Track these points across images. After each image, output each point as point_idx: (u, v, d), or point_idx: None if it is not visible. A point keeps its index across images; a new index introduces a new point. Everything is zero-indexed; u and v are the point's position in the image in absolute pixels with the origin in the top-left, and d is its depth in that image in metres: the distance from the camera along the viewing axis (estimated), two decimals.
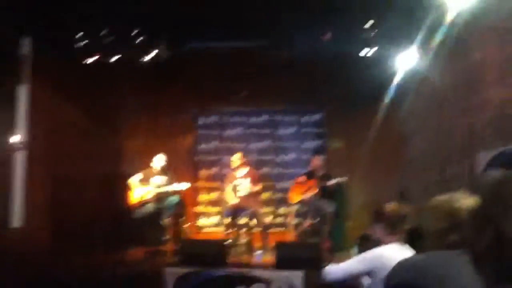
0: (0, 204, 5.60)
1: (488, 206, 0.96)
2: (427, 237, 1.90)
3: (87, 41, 5.52)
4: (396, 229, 2.68)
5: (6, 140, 5.68)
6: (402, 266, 1.83)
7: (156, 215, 6.20)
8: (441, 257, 1.71)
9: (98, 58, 5.70)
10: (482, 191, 1.00)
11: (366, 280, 2.82)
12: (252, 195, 6.37)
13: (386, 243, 2.70)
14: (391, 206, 2.72)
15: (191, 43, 6.03)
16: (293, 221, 7.06)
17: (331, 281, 2.94)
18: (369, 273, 2.70)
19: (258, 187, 6.43)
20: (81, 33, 5.47)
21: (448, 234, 1.73)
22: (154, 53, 5.71)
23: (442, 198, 1.82)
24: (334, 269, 2.91)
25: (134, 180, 6.29)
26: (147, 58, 5.71)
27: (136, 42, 5.59)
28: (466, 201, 1.70)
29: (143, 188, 6.25)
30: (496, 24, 3.69)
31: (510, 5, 3.40)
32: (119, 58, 5.74)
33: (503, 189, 0.94)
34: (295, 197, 6.58)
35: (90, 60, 5.68)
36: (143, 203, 6.21)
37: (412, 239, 2.72)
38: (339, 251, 6.16)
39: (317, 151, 7.55)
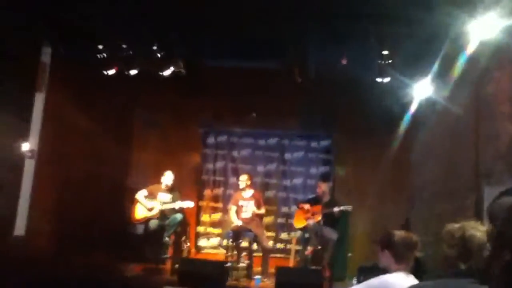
0: (7, 210, 5.61)
1: (504, 230, 0.95)
2: (436, 263, 1.88)
3: (106, 52, 5.60)
4: (403, 257, 2.63)
5: (17, 147, 5.74)
6: None
7: (159, 232, 6.14)
8: (449, 284, 1.69)
9: (115, 70, 5.76)
10: (497, 216, 1.00)
11: None
12: (255, 218, 6.32)
13: (392, 271, 2.65)
14: (400, 234, 2.69)
15: (207, 61, 6.09)
16: (295, 247, 6.99)
17: None
18: None
19: (262, 210, 6.40)
20: (101, 45, 5.55)
21: (458, 262, 1.71)
22: (170, 69, 5.76)
23: (455, 226, 1.82)
24: None
25: (140, 195, 6.29)
26: (163, 73, 5.75)
27: (154, 57, 5.66)
28: (478, 230, 1.70)
29: (149, 203, 6.23)
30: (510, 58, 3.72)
31: None
32: (135, 71, 5.79)
33: None
34: (299, 222, 6.52)
35: (107, 72, 5.73)
36: (147, 219, 6.17)
37: (415, 269, 2.69)
38: (339, 281, 6.06)
39: (323, 177, 7.53)
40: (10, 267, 5.10)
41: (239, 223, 6.31)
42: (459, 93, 4.74)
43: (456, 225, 1.80)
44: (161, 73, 5.82)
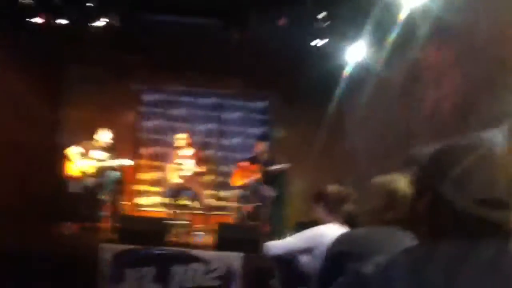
0: None
1: (426, 174, 1.06)
2: (365, 214, 2.05)
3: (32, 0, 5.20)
4: (336, 209, 2.81)
5: None
6: (342, 237, 1.99)
7: (95, 190, 6.02)
8: (375, 231, 1.87)
9: (44, 19, 5.36)
10: (420, 162, 1.10)
11: (303, 258, 2.94)
12: (195, 177, 6.37)
13: (325, 223, 2.83)
14: (332, 188, 2.86)
15: (144, 15, 5.86)
16: (234, 204, 7.16)
17: (271, 256, 3.06)
18: (307, 250, 2.83)
19: (202, 169, 6.44)
20: None
21: (384, 212, 1.88)
22: (104, 21, 5.47)
23: (381, 179, 1.97)
24: (275, 245, 3.02)
25: (73, 152, 6.05)
26: (96, 25, 5.45)
27: (87, 6, 5.33)
28: (403, 182, 1.85)
29: (83, 161, 6.04)
30: (441, 26, 3.93)
31: (456, 9, 3.63)
32: (66, 22, 5.43)
33: (439, 156, 1.05)
34: (238, 181, 6.65)
35: (34, 21, 5.33)
36: (82, 176, 6.00)
37: (348, 223, 2.88)
38: (277, 236, 6.32)
39: (261, 137, 7.68)
40: None
41: (178, 181, 6.32)
42: (392, 57, 4.96)
43: (383, 178, 1.96)
44: (92, 25, 5.50)
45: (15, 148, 6.34)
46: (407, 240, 1.47)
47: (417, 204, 1.07)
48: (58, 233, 5.53)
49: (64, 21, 5.47)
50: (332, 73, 6.38)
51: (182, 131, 6.93)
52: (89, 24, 5.54)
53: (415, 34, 4.30)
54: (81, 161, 6.05)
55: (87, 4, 5.38)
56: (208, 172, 7.67)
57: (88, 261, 4.87)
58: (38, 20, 5.41)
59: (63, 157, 6.20)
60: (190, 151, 6.45)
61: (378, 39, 5.10)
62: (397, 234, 1.68)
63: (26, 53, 6.37)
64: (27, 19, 5.35)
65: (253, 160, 6.66)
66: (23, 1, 5.19)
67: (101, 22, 5.52)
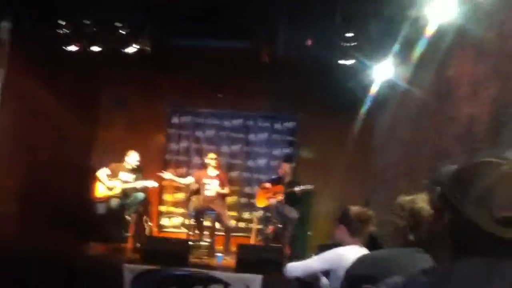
0: None
1: (447, 191, 1.01)
2: (389, 235, 1.96)
3: (69, 29, 5.40)
4: (358, 231, 2.72)
5: None
6: (361, 259, 1.89)
7: (120, 210, 6.08)
8: (396, 252, 1.78)
9: (79, 47, 5.57)
10: (442, 179, 1.06)
11: (325, 280, 2.86)
12: (219, 197, 6.35)
13: (347, 244, 2.74)
14: (355, 209, 2.77)
15: (175, 40, 6.00)
16: (256, 226, 7.09)
17: (291, 277, 2.98)
18: (327, 271, 2.74)
19: (226, 190, 6.42)
20: (64, 21, 5.35)
21: (407, 233, 1.79)
22: (136, 46, 5.63)
23: (405, 198, 1.89)
24: (295, 266, 2.95)
25: (102, 173, 6.18)
26: (128, 51, 5.62)
27: (119, 33, 5.50)
28: (426, 202, 1.76)
29: (110, 182, 6.14)
30: (472, 42, 3.82)
31: (487, 24, 3.53)
32: (100, 48, 5.63)
33: (461, 174, 1.00)
34: (261, 202, 6.60)
35: (70, 48, 5.54)
36: (108, 198, 6.09)
37: (370, 244, 2.79)
38: (299, 259, 6.19)
39: (286, 158, 7.63)
40: None
41: (202, 202, 6.30)
42: (420, 76, 4.84)
43: (407, 198, 1.87)
44: (125, 51, 5.67)
45: (50, 167, 6.53)
46: (426, 262, 1.39)
47: (437, 223, 1.02)
48: (85, 252, 5.58)
49: (98, 48, 5.64)
50: (359, 92, 6.30)
51: (212, 152, 6.97)
52: (121, 50, 5.69)
53: (444, 50, 4.21)
54: (108, 183, 6.14)
55: (120, 31, 5.54)
56: (233, 193, 7.67)
57: (113, 281, 4.88)
58: (74, 48, 5.59)
59: (93, 178, 6.31)
60: (216, 172, 6.45)
61: (406, 57, 5.01)
62: (419, 256, 1.58)
63: (63, 78, 6.63)
64: (64, 47, 5.53)
65: (277, 181, 6.60)
66: (60, 31, 5.40)
67: (133, 48, 5.67)
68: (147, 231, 6.92)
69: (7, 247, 5.08)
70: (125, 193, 6.15)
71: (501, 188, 0.92)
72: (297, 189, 6.15)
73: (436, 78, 4.51)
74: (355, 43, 5.22)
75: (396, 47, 4.91)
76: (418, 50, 4.69)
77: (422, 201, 1.79)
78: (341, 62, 5.44)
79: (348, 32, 5.17)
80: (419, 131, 4.86)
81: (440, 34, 4.28)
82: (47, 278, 4.86)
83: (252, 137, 8.07)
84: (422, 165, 4.64)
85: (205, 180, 6.37)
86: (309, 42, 5.54)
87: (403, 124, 5.51)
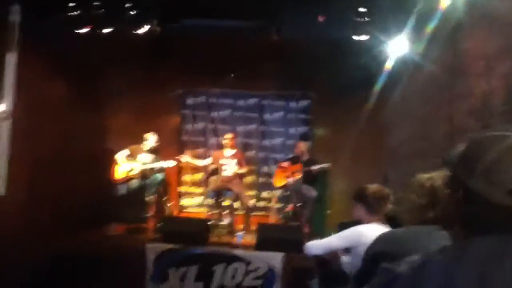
0: None
1: (457, 170, 1.03)
2: (406, 213, 1.98)
3: (77, 11, 5.41)
4: (376, 209, 2.75)
5: None
6: (380, 237, 1.93)
7: (140, 191, 6.19)
8: (416, 230, 1.80)
9: (88, 30, 5.59)
10: (452, 159, 1.08)
11: (346, 258, 2.91)
12: (237, 177, 6.41)
13: (365, 222, 2.77)
14: (372, 187, 2.79)
15: (183, 21, 5.95)
16: (275, 205, 7.16)
17: (312, 255, 3.03)
18: (348, 249, 2.79)
19: (243, 169, 6.47)
20: (74, 2, 5.35)
21: (425, 211, 1.81)
22: (144, 28, 5.62)
23: (422, 176, 1.90)
24: (315, 244, 2.99)
25: (120, 156, 6.27)
26: (138, 32, 5.61)
27: (127, 16, 5.49)
28: (443, 179, 1.77)
29: (129, 164, 6.24)
30: (486, 15, 3.74)
31: None
32: (109, 32, 5.63)
33: (468, 151, 1.02)
34: (279, 181, 6.64)
35: (79, 32, 5.56)
36: (127, 179, 6.19)
37: (389, 222, 2.81)
38: (318, 237, 6.25)
39: (302, 137, 7.65)
40: None
41: (220, 182, 6.36)
42: (434, 50, 4.77)
43: (426, 176, 1.88)
44: (135, 32, 5.66)
45: (66, 153, 6.64)
46: (447, 239, 1.41)
47: (451, 202, 1.04)
48: (105, 234, 5.71)
49: (107, 30, 5.64)
50: (373, 69, 6.23)
51: (224, 133, 7.00)
52: (131, 32, 5.69)
53: (457, 24, 4.13)
54: (127, 164, 6.23)
55: (129, 12, 5.53)
56: (250, 172, 7.74)
57: (135, 261, 5.00)
58: (84, 30, 5.60)
59: (111, 161, 6.41)
60: (232, 152, 6.49)
61: (420, 32, 4.92)
62: (437, 234, 1.61)
63: (74, 62, 6.67)
64: (74, 30, 5.55)
65: (294, 160, 6.62)
66: (70, 13, 5.41)
67: (143, 29, 5.65)
68: (167, 212, 7.05)
69: (23, 234, 5.23)
70: (144, 174, 6.24)
71: (507, 160, 0.93)
72: (314, 167, 6.16)
73: (450, 53, 4.44)
74: (369, 18, 5.13)
75: (409, 21, 4.82)
76: (432, 24, 4.60)
77: (440, 179, 1.80)
78: (355, 38, 5.35)
79: (362, 7, 5.08)
80: (433, 107, 4.81)
81: (453, 7, 4.19)
82: (70, 260, 5.02)
83: (267, 116, 8.08)
84: (437, 142, 4.61)
85: (222, 161, 6.42)
86: (321, 19, 5.45)
87: (417, 100, 5.45)
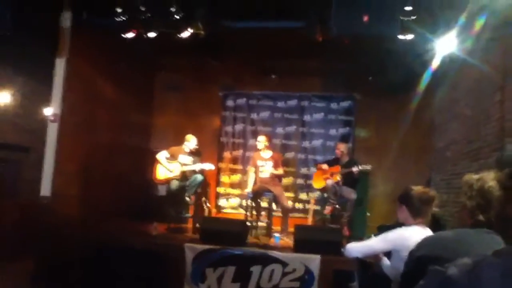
0: (33, 173, 5.79)
1: None
2: (454, 216, 1.89)
3: (124, 15, 5.56)
4: (421, 212, 2.64)
5: (41, 111, 5.84)
6: (426, 240, 1.84)
7: (180, 192, 6.26)
8: (463, 233, 1.70)
9: (135, 33, 5.73)
10: (508, 162, 1.02)
11: (386, 261, 2.82)
12: (275, 178, 6.37)
13: (409, 225, 2.67)
14: (417, 189, 2.69)
15: (227, 22, 6.00)
16: (313, 207, 7.08)
17: (351, 258, 2.95)
18: (389, 252, 2.70)
19: (279, 171, 6.41)
20: (120, 8, 5.50)
21: (476, 213, 1.71)
22: (188, 32, 5.70)
23: (473, 177, 1.79)
24: (356, 247, 2.91)
25: (161, 156, 6.38)
26: (183, 35, 5.70)
27: (173, 18, 5.59)
28: (495, 181, 1.67)
29: (170, 165, 6.33)
30: None
31: None
32: (154, 34, 5.75)
33: None
34: (318, 183, 6.55)
35: (126, 35, 5.71)
36: (168, 180, 6.29)
37: (433, 225, 2.70)
38: (358, 240, 6.12)
39: (342, 138, 7.53)
40: (37, 226, 5.33)
41: (258, 183, 6.35)
42: (484, 49, 4.57)
43: (475, 176, 1.78)
44: (179, 35, 5.76)
45: (111, 152, 6.85)
46: (496, 243, 1.32)
47: (507, 204, 0.97)
48: (146, 232, 5.81)
49: (153, 34, 5.77)
50: (418, 69, 6.03)
51: (263, 134, 6.98)
52: (176, 35, 5.78)
53: (510, 21, 3.91)
54: (168, 165, 6.33)
55: (174, 16, 5.62)
56: (288, 174, 7.69)
57: (174, 260, 5.06)
58: (131, 34, 5.75)
59: (153, 161, 6.53)
60: (269, 154, 6.46)
61: (467, 29, 4.72)
62: (488, 237, 1.51)
63: (120, 65, 6.88)
64: (121, 34, 5.71)
65: (334, 161, 6.52)
66: (117, 19, 5.56)
67: (187, 32, 5.73)
68: (206, 212, 7.11)
69: (68, 226, 5.41)
70: (184, 175, 6.31)
71: None
72: (355, 169, 6.03)
73: (501, 51, 4.21)
74: (415, 17, 4.97)
75: (457, 19, 4.63)
76: (481, 21, 4.39)
77: (491, 180, 1.70)
78: (400, 37, 5.20)
79: (407, 5, 4.93)
80: (483, 108, 4.59)
81: (505, 2, 3.98)
82: (111, 257, 5.14)
83: (307, 117, 8.03)
84: (486, 143, 4.40)
85: (259, 162, 6.40)
86: (366, 18, 5.33)
87: (466, 100, 5.23)
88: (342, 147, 6.48)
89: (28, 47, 5.27)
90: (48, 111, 5.84)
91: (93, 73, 6.39)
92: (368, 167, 6.02)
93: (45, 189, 5.67)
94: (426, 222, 2.65)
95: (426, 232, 2.55)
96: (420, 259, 1.69)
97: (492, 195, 1.64)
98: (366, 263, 3.09)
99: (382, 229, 4.18)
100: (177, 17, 5.61)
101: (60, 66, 5.84)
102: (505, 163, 1.10)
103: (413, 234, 2.46)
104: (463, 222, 1.75)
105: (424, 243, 1.78)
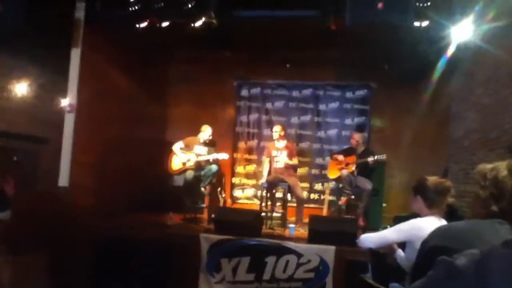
0: (51, 164, 5.88)
1: None
2: (468, 206, 1.85)
3: (137, 5, 5.57)
4: (436, 202, 2.61)
5: (57, 102, 5.91)
6: (438, 231, 1.81)
7: (195, 182, 6.30)
8: (475, 224, 1.67)
9: (147, 24, 5.73)
10: None
11: (400, 252, 2.79)
12: (289, 169, 6.34)
13: (424, 216, 2.64)
14: (433, 179, 2.65)
15: (239, 12, 5.96)
16: (328, 197, 7.05)
17: (365, 248, 2.93)
18: (403, 243, 2.67)
19: (294, 161, 6.38)
20: None
21: (490, 204, 1.67)
22: (201, 21, 5.69)
23: (487, 166, 1.75)
24: (370, 237, 2.89)
25: (176, 147, 6.42)
26: (194, 24, 5.68)
27: (185, 8, 5.58)
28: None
29: (185, 155, 6.37)
30: None
31: None
32: (167, 25, 5.74)
33: None
34: (332, 173, 6.50)
35: (139, 25, 5.72)
36: (183, 170, 6.33)
37: (448, 216, 2.66)
38: (374, 231, 6.08)
39: (358, 128, 7.46)
40: (55, 216, 5.43)
41: (272, 173, 6.34)
42: (501, 36, 4.45)
43: (489, 166, 1.74)
44: (192, 25, 5.74)
45: (126, 142, 6.91)
46: (509, 234, 1.29)
47: None
48: (162, 222, 5.87)
49: (166, 24, 5.76)
50: (433, 57, 5.91)
51: (277, 123, 6.95)
52: (189, 24, 5.77)
53: None
54: (183, 156, 6.37)
55: (186, 5, 5.60)
56: (303, 164, 7.67)
57: (190, 250, 5.10)
58: (143, 24, 5.75)
59: (168, 152, 6.58)
60: (283, 143, 6.44)
61: (484, 15, 4.59)
62: (501, 227, 1.48)
63: (135, 54, 6.91)
64: (134, 24, 5.72)
65: (349, 151, 6.45)
66: (130, 8, 5.57)
67: (200, 22, 5.71)
68: (221, 202, 7.15)
69: (85, 216, 5.50)
70: (200, 166, 6.35)
71: None
72: (370, 159, 5.97)
73: None
74: (430, 3, 4.86)
75: (473, 5, 4.51)
76: (497, 7, 4.26)
77: (505, 170, 1.65)
78: (415, 23, 5.09)
79: None
80: (501, 96, 4.49)
81: None
82: (127, 247, 5.22)
83: (322, 107, 7.97)
84: (504, 132, 4.30)
85: (274, 152, 6.39)
86: (380, 5, 5.23)
87: (483, 89, 5.11)
88: (357, 137, 6.41)
89: (42, 39, 5.32)
90: (65, 102, 5.91)
91: (107, 65, 6.43)
92: (383, 156, 5.94)
93: (63, 179, 5.75)
94: (441, 213, 2.62)
95: (441, 223, 2.52)
96: (432, 250, 1.66)
97: (506, 185, 1.60)
98: (379, 254, 3.07)
99: (398, 220, 4.14)
100: (190, 6, 5.59)
101: (75, 57, 5.87)
102: None
103: (428, 225, 2.43)
104: (475, 212, 1.72)
105: (436, 234, 1.75)
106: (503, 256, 0.88)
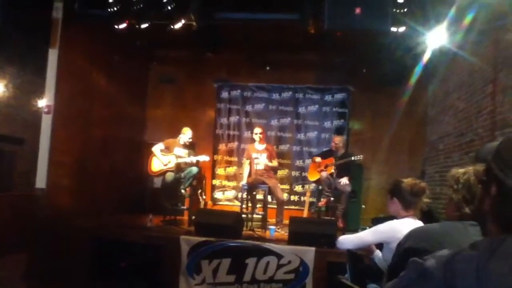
0: (28, 165, 5.78)
1: (492, 166, 1.00)
2: (443, 208, 1.92)
3: (117, 6, 5.52)
4: (411, 204, 2.67)
5: (34, 102, 5.81)
6: (412, 233, 1.88)
7: (175, 184, 6.28)
8: (448, 226, 1.74)
9: (127, 25, 5.69)
10: (486, 154, 1.05)
11: (378, 253, 2.85)
12: (269, 171, 6.38)
13: (400, 217, 2.70)
14: (408, 181, 2.71)
15: (220, 14, 5.98)
16: (308, 199, 7.11)
17: (343, 250, 2.98)
18: (380, 244, 2.73)
19: (274, 163, 6.42)
20: None
21: (462, 206, 1.74)
22: (181, 23, 5.68)
23: (459, 170, 1.83)
24: (348, 239, 2.93)
25: (156, 149, 6.39)
26: (175, 26, 5.67)
27: (164, 10, 5.56)
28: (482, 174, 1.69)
29: (165, 157, 6.34)
30: None
31: None
32: (147, 26, 5.72)
33: (503, 148, 0.99)
34: (312, 175, 6.57)
35: (119, 27, 5.68)
36: (163, 172, 6.30)
37: (424, 217, 2.73)
38: (352, 232, 6.16)
39: (337, 131, 7.56)
40: (32, 218, 5.35)
41: (252, 175, 6.37)
42: (475, 42, 4.59)
43: (461, 170, 1.81)
44: (172, 27, 5.73)
45: (105, 144, 6.84)
46: (481, 236, 1.35)
47: (484, 198, 1.01)
48: (141, 225, 5.83)
49: (145, 25, 5.73)
50: (410, 62, 6.05)
51: (258, 126, 6.99)
52: (168, 27, 5.75)
53: (501, 15, 3.93)
54: (163, 157, 6.34)
55: (167, 7, 5.58)
56: (283, 166, 7.73)
57: (169, 252, 5.08)
58: (123, 25, 5.71)
59: (148, 153, 6.54)
60: (263, 146, 6.47)
61: (459, 22, 4.73)
62: (473, 229, 1.55)
63: (113, 57, 6.85)
64: (113, 25, 5.67)
65: (328, 153, 6.53)
66: (109, 9, 5.52)
67: (180, 23, 5.70)
68: (201, 204, 7.13)
69: (64, 221, 5.43)
70: (180, 168, 6.32)
71: None
72: (346, 160, 6.06)
73: (493, 45, 4.24)
74: (406, 9, 4.98)
75: (447, 12, 4.64)
76: (472, 15, 4.40)
77: (476, 174, 1.73)
78: (392, 29, 5.21)
79: None
80: (474, 100, 4.63)
81: None
82: (107, 249, 5.18)
83: (302, 109, 8.03)
84: (478, 135, 4.44)
85: (254, 154, 6.41)
86: (358, 11, 5.33)
87: (457, 93, 5.26)
88: (337, 140, 6.49)
89: (20, 39, 5.23)
90: (42, 103, 5.81)
91: (86, 65, 6.36)
92: (359, 157, 6.01)
93: (41, 181, 5.67)
94: (417, 214, 2.68)
95: (417, 224, 2.58)
96: (406, 251, 1.73)
97: (478, 189, 1.67)
98: (357, 256, 3.12)
99: (376, 221, 4.22)
100: (169, 8, 5.58)
101: (53, 57, 5.79)
102: (480, 159, 1.15)
103: (404, 227, 2.48)
104: (449, 214, 1.79)
105: (411, 235, 1.82)
106: (469, 258, 0.93)
